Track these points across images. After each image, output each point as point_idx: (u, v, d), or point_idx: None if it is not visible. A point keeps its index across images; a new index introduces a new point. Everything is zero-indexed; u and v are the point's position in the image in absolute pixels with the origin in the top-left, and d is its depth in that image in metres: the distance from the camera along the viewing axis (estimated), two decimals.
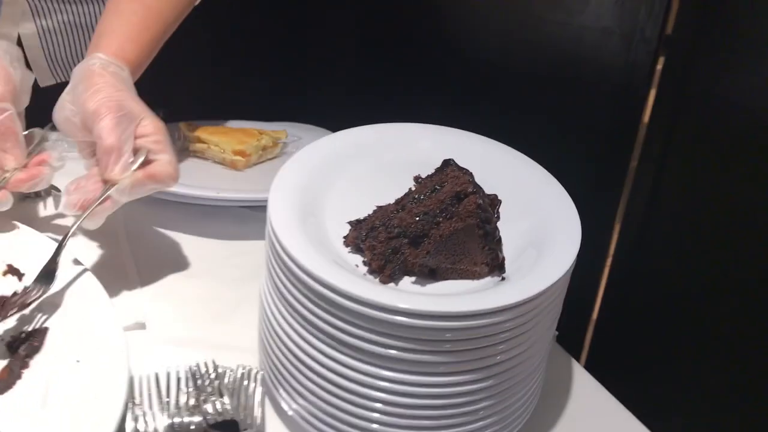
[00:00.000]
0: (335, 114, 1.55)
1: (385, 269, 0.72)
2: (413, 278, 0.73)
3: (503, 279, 0.72)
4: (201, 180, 1.21)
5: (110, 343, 0.78)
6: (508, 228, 0.77)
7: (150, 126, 0.89)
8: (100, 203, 0.85)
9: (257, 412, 0.77)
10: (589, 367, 0.93)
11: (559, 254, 0.72)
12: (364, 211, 0.79)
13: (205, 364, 0.79)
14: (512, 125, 1.08)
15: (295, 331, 0.70)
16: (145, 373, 0.80)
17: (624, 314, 1.36)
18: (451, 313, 0.64)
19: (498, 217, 0.76)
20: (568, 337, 0.99)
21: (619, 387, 0.90)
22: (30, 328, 0.81)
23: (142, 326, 0.91)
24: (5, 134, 0.88)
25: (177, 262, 1.03)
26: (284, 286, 0.70)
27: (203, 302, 0.98)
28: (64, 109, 0.90)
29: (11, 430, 0.70)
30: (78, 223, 0.85)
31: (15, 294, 0.82)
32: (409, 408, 0.69)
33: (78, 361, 0.76)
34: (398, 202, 0.77)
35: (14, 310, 0.79)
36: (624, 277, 1.34)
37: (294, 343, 0.71)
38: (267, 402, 0.80)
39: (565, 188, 0.81)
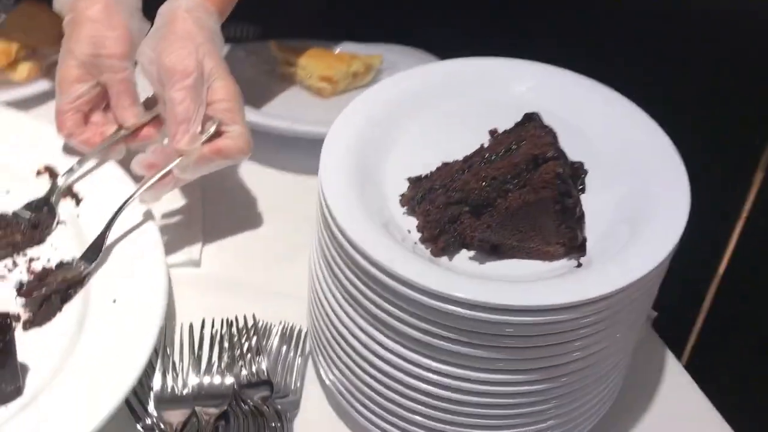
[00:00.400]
0: (442, 38, 1.42)
1: (438, 240, 0.61)
2: (472, 252, 0.62)
3: (579, 265, 0.60)
4: (282, 107, 1.13)
5: (149, 286, 0.74)
6: (600, 197, 0.65)
7: (222, 90, 0.82)
8: (161, 177, 0.80)
9: (295, 377, 0.70)
10: (689, 366, 0.80)
11: (656, 237, 0.59)
12: (433, 165, 0.68)
13: (245, 318, 0.73)
14: (645, 80, 0.92)
15: (338, 302, 0.62)
16: (188, 319, 0.76)
17: (739, 313, 1.18)
18: (511, 307, 0.53)
19: (583, 189, 0.63)
20: (671, 322, 0.85)
21: (720, 395, 0.76)
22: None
23: (195, 264, 0.86)
24: (125, 92, 0.88)
25: (245, 197, 0.97)
26: (329, 251, 0.61)
27: (267, 242, 0.92)
28: (144, 54, 0.85)
29: (39, 364, 0.68)
30: (132, 196, 0.80)
31: (57, 266, 0.78)
32: (458, 404, 0.60)
33: (114, 301, 0.73)
34: (466, 159, 0.65)
35: (45, 290, 0.75)
36: (745, 273, 1.15)
37: (336, 316, 0.63)
38: (310, 366, 0.73)
39: (686, 163, 0.66)
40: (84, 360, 0.67)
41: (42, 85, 1.13)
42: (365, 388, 0.64)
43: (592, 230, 0.63)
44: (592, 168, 0.67)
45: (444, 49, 1.34)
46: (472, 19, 1.49)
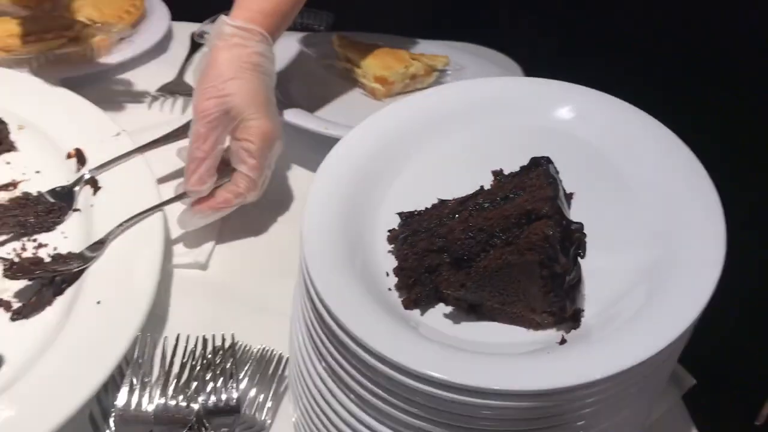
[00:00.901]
0: (524, 43, 1.33)
1: (412, 290, 0.55)
2: (448, 309, 0.55)
3: (563, 341, 0.52)
4: (330, 106, 1.09)
5: (135, 295, 0.71)
6: (620, 253, 0.57)
7: (250, 130, 0.81)
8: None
9: (266, 411, 0.66)
10: None
11: (674, 305, 0.51)
12: (433, 200, 0.62)
13: (222, 338, 0.69)
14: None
15: (310, 358, 0.56)
16: (174, 328, 0.74)
17: None
18: (487, 390, 0.46)
19: (582, 254, 0.55)
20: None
21: None
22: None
23: (201, 267, 0.84)
24: None
25: (270, 199, 0.93)
26: (303, 300, 0.56)
27: (282, 252, 0.87)
28: (195, 73, 0.86)
29: (15, 357, 0.67)
30: (150, 210, 0.82)
31: (54, 258, 0.77)
32: None
33: (98, 303, 0.71)
34: (462, 201, 0.58)
35: (41, 273, 0.74)
36: None
37: (307, 370, 0.57)
38: (286, 400, 0.69)
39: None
40: (54, 361, 0.66)
41: (97, 67, 1.14)
42: None
43: (600, 291, 0.55)
44: (616, 214, 0.59)
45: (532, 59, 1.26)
46: (566, 32, 1.39)
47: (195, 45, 1.28)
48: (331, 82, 1.16)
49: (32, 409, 0.61)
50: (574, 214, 0.62)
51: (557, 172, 0.58)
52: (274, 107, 0.86)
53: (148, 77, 1.17)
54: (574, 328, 0.53)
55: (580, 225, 0.53)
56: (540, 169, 0.56)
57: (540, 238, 0.50)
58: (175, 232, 0.87)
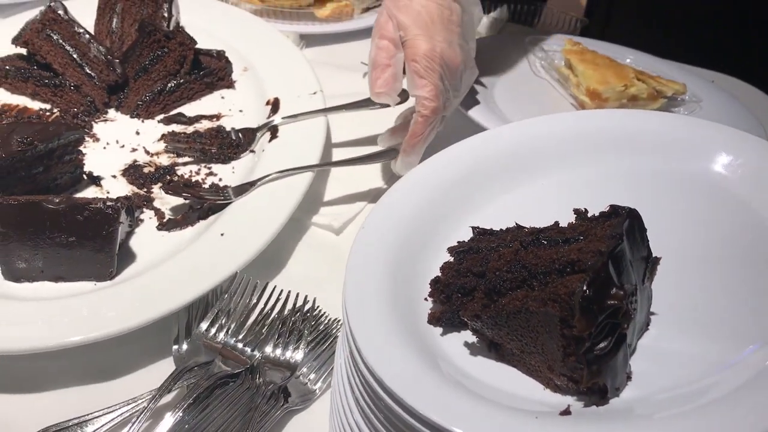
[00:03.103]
0: None
1: (444, 305, 0.52)
2: (471, 338, 0.52)
3: (566, 412, 0.46)
4: (525, 109, 1.04)
5: (252, 239, 0.77)
6: (706, 341, 0.50)
7: (414, 50, 0.82)
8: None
9: (317, 383, 0.68)
10: None
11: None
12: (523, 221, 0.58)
13: (305, 299, 0.72)
14: None
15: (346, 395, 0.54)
16: (275, 277, 0.79)
17: None
18: None
19: (620, 324, 0.47)
20: None
21: None
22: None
23: (335, 231, 0.87)
24: None
25: None
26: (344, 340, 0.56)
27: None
28: None
29: (141, 258, 0.78)
30: (311, 167, 0.87)
31: (211, 186, 0.86)
32: None
33: (222, 235, 0.78)
34: (532, 231, 0.53)
35: (187, 195, 0.83)
36: None
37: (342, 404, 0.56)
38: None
39: None
40: (170, 272, 0.74)
41: (340, 26, 1.22)
42: None
43: (654, 375, 0.47)
44: (732, 296, 0.51)
45: None
46: None
47: None
48: (542, 88, 1.11)
49: (140, 302, 0.70)
50: (672, 284, 0.53)
51: (643, 230, 0.51)
52: (451, 35, 0.84)
53: None
54: (597, 404, 0.47)
55: (626, 291, 0.46)
56: (617, 219, 0.49)
57: (567, 291, 0.44)
58: (329, 194, 0.92)
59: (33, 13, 1.05)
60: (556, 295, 0.45)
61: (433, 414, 0.43)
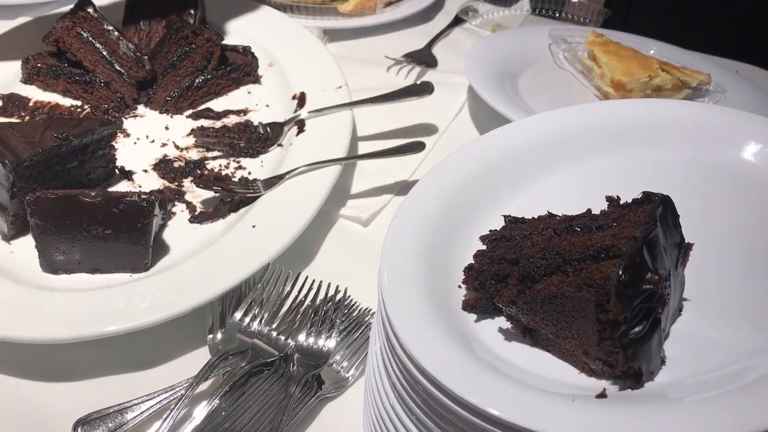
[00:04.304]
0: None
1: (477, 292, 0.53)
2: (505, 324, 0.53)
3: (602, 394, 0.46)
4: (547, 100, 1.05)
5: (285, 226, 0.78)
6: (737, 327, 0.50)
7: None
8: None
9: (352, 370, 0.69)
10: None
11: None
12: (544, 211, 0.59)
13: (336, 289, 0.73)
14: None
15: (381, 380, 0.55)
16: (305, 267, 0.80)
17: None
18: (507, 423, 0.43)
19: (659, 309, 0.47)
20: None
21: None
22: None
23: (362, 223, 0.88)
24: None
25: None
26: (379, 329, 0.56)
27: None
28: None
29: (175, 250, 0.80)
30: (339, 160, 0.86)
31: (240, 180, 0.88)
32: None
33: (253, 227, 0.79)
34: (565, 219, 0.54)
35: (217, 188, 0.85)
36: None
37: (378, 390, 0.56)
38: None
39: None
40: (204, 263, 0.75)
41: (363, 21, 1.23)
42: None
43: (688, 359, 0.48)
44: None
45: None
46: None
47: (457, 20, 1.32)
48: (565, 79, 1.11)
49: (175, 293, 0.71)
50: (704, 270, 0.54)
51: (676, 216, 0.51)
52: None
53: (400, 42, 1.23)
54: (632, 388, 0.47)
55: (660, 276, 0.46)
56: (650, 205, 0.50)
57: (602, 276, 0.45)
58: (356, 187, 0.93)
59: (62, 12, 1.07)
60: (592, 280, 0.46)
61: (471, 396, 0.44)
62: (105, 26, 1.05)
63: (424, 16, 1.31)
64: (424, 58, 1.19)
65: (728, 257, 0.56)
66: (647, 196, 0.51)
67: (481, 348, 0.50)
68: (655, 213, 0.49)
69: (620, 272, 0.44)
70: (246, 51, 1.09)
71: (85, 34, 1.03)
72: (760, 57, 1.18)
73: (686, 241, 0.53)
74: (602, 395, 0.46)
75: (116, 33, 1.05)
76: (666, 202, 0.50)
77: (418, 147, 0.90)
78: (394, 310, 0.49)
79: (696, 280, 0.54)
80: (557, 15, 1.35)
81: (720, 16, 1.35)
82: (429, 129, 1.03)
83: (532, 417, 0.43)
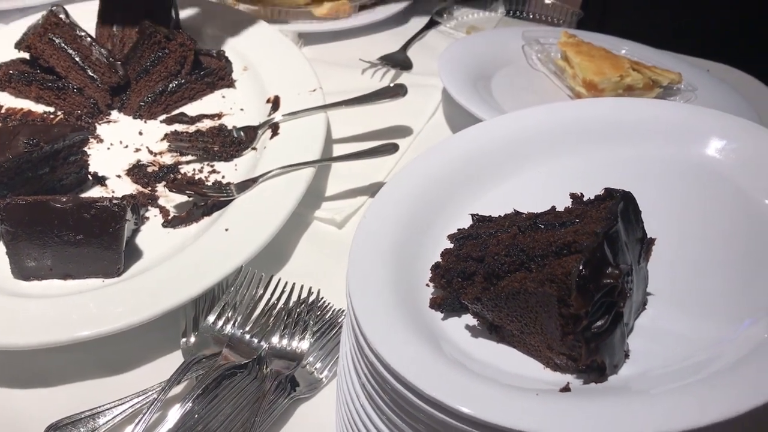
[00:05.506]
0: None
1: (444, 290, 0.54)
2: (472, 321, 0.53)
3: (566, 388, 0.47)
4: (520, 100, 1.06)
5: (258, 229, 0.78)
6: (702, 320, 0.51)
7: None
8: None
9: (325, 371, 0.69)
10: None
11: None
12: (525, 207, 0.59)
13: (309, 290, 0.73)
14: None
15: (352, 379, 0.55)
16: (278, 269, 0.80)
17: None
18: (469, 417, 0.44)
19: (620, 303, 0.48)
20: None
21: None
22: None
23: (337, 225, 0.88)
24: None
25: None
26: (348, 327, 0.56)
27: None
28: None
29: (148, 255, 0.80)
30: (310, 162, 0.86)
31: (214, 183, 0.88)
32: None
33: (226, 230, 0.79)
34: (530, 217, 0.55)
35: (190, 192, 0.85)
36: None
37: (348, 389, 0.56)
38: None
39: None
40: (176, 267, 0.75)
41: (338, 24, 1.24)
42: None
43: (652, 353, 0.49)
44: (726, 277, 0.53)
45: None
46: None
47: (432, 22, 1.32)
48: (538, 80, 1.12)
49: (150, 299, 0.71)
50: (668, 265, 0.55)
51: (638, 212, 0.52)
52: None
53: (374, 45, 1.24)
54: (596, 382, 0.48)
55: (621, 270, 0.47)
56: (611, 201, 0.51)
57: (564, 272, 0.46)
58: (330, 189, 0.93)
59: (35, 19, 1.07)
60: (554, 275, 0.46)
61: (439, 394, 0.44)
62: (77, 32, 1.05)
63: (399, 19, 1.32)
64: (398, 60, 1.20)
65: (691, 252, 0.57)
66: (609, 192, 0.52)
67: (448, 345, 0.51)
68: (616, 209, 0.49)
69: (581, 267, 0.45)
70: (220, 55, 1.09)
71: (57, 40, 1.03)
72: (731, 56, 1.20)
73: (649, 237, 0.53)
74: (566, 389, 0.47)
75: (89, 39, 1.05)
76: (627, 198, 0.51)
77: (392, 149, 0.91)
78: (362, 309, 0.50)
79: (660, 275, 0.55)
80: (532, 17, 1.36)
81: (693, 16, 1.37)
82: (403, 131, 1.04)
83: (498, 413, 0.43)
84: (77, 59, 1.04)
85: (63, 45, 1.03)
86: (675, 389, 0.46)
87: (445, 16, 1.33)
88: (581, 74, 1.06)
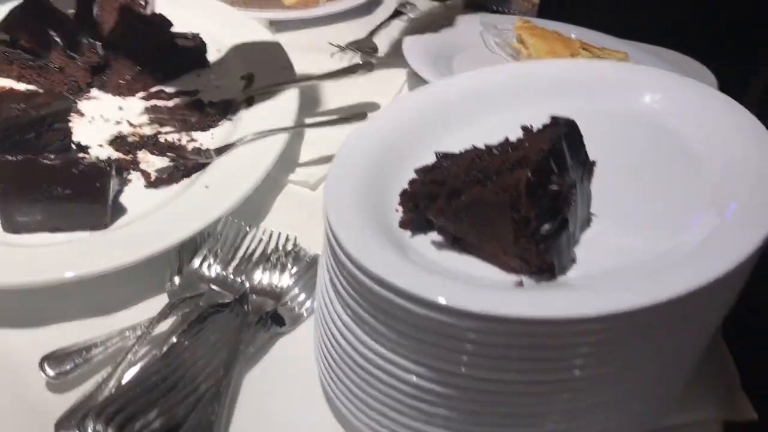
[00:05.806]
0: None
1: (412, 212, 0.60)
2: (438, 237, 0.60)
3: (520, 283, 0.53)
4: None
5: (236, 185, 0.84)
6: (640, 236, 0.58)
7: None
8: None
9: (304, 308, 0.75)
10: None
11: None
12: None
13: (287, 237, 0.79)
14: None
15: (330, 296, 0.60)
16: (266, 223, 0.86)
17: None
18: (435, 304, 0.48)
19: (565, 209, 0.55)
20: None
21: None
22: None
23: (310, 187, 0.94)
24: None
25: None
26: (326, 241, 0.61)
27: None
28: None
29: (132, 211, 0.85)
30: (286, 128, 0.92)
31: (193, 149, 0.94)
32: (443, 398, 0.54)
33: (206, 187, 0.85)
34: (487, 147, 0.61)
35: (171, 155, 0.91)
36: None
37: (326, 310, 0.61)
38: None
39: None
40: (160, 219, 0.80)
41: (307, 12, 1.30)
42: (353, 387, 0.59)
43: (594, 260, 0.56)
44: (660, 198, 0.61)
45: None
46: None
47: (397, 13, 1.40)
48: (496, 62, 1.20)
49: (135, 246, 0.76)
50: (609, 186, 0.62)
51: (580, 136, 0.59)
52: None
53: (343, 32, 1.31)
54: (547, 281, 0.54)
55: (565, 181, 0.54)
56: (557, 126, 0.57)
57: (514, 182, 0.52)
58: (303, 156, 0.99)
59: (17, 2, 1.11)
60: (506, 185, 0.53)
61: (415, 288, 0.49)
62: (58, 15, 1.09)
63: (366, 9, 1.39)
64: (365, 45, 1.26)
65: (631, 178, 0.63)
66: (554, 120, 0.59)
67: (416, 255, 0.57)
68: (561, 132, 0.56)
69: (529, 174, 0.52)
70: (195, 37, 1.14)
71: (38, 22, 1.07)
72: (688, 45, 1.27)
73: (590, 160, 0.60)
74: (519, 284, 0.53)
75: (69, 20, 1.09)
76: (570, 124, 0.58)
77: (362, 117, 0.97)
78: (337, 223, 0.56)
79: (602, 198, 0.61)
80: (493, 9, 1.44)
81: (651, 9, 1.45)
82: (372, 106, 1.10)
83: (468, 301, 0.48)
84: (57, 40, 1.08)
85: (44, 26, 1.08)
86: (616, 282, 0.52)
87: (408, 7, 1.40)
88: (535, 54, 1.14)
